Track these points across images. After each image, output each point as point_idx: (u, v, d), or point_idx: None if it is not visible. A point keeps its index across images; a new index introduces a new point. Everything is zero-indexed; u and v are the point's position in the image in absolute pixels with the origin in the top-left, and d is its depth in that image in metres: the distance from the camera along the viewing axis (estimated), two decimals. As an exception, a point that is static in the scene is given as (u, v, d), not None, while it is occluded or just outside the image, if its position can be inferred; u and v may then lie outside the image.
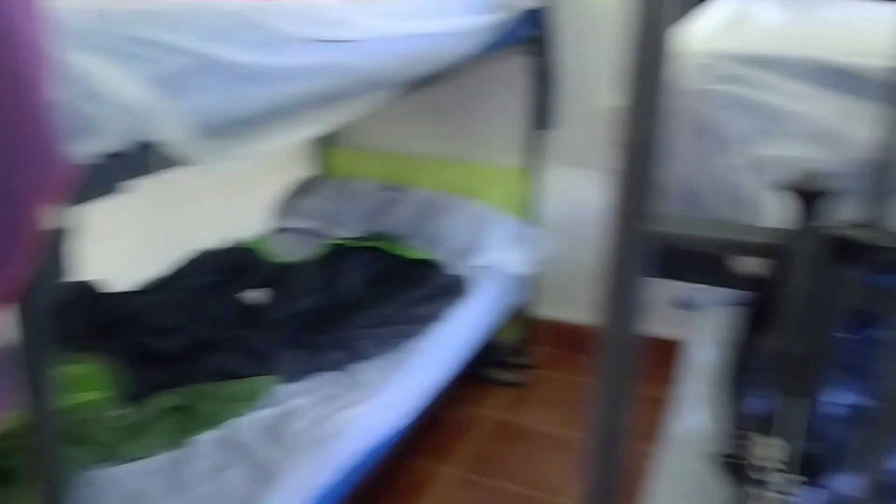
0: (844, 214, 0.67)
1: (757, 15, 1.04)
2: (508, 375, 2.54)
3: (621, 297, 0.70)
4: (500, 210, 2.51)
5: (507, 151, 2.55)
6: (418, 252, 2.36)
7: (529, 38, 2.20)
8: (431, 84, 1.86)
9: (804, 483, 0.67)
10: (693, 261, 0.76)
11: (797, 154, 0.70)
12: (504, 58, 2.26)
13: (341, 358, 1.86)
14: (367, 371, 1.84)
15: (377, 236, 2.40)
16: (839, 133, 0.69)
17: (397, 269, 2.30)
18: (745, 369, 0.68)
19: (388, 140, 2.74)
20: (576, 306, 2.59)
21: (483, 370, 2.53)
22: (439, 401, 2.09)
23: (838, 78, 0.69)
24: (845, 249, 0.61)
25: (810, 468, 0.67)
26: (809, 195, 0.60)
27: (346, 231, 2.47)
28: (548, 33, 2.22)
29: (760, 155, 0.71)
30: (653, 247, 0.69)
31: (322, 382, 1.77)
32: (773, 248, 0.62)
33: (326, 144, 2.78)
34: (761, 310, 0.65)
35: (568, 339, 2.63)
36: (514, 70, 2.38)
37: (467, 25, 1.84)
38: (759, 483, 0.67)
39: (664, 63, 0.66)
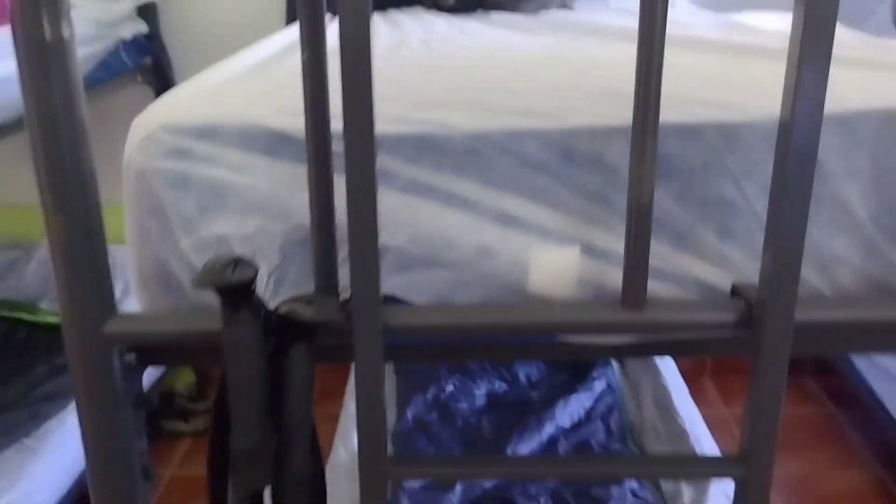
0: (297, 285, 0.66)
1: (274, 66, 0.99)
2: (188, 425, 2.38)
3: (101, 419, 0.62)
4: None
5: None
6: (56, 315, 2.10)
7: (139, 67, 2.05)
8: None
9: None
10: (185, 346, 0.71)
11: (241, 230, 0.67)
12: (128, 88, 2.07)
13: (-45, 461, 1.59)
14: (-9, 468, 1.60)
15: (2, 304, 2.10)
16: (280, 202, 0.67)
17: (31, 338, 2.03)
18: (221, 464, 0.64)
19: (4, 191, 2.41)
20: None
21: (163, 424, 2.34)
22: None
23: (273, 142, 0.66)
24: (286, 327, 0.60)
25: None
26: (227, 288, 0.57)
27: (-40, 305, 2.13)
28: (159, 60, 2.08)
29: (209, 234, 0.67)
30: (121, 348, 0.63)
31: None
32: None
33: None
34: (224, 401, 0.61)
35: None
36: (145, 100, 2.20)
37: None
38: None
39: (70, 141, 0.58)
